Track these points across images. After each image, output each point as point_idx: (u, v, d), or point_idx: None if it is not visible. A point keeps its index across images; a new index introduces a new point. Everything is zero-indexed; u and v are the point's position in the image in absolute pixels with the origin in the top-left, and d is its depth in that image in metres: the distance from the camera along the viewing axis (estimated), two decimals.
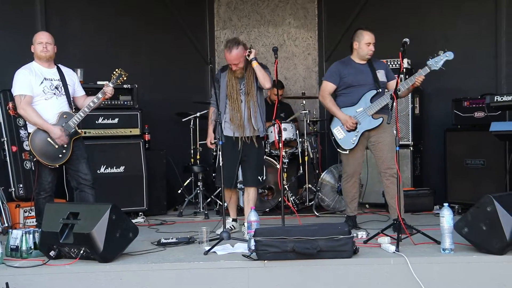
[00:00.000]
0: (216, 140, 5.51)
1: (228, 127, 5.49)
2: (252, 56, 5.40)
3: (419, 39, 6.57)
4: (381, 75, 5.45)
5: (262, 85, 5.44)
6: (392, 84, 5.47)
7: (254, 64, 5.40)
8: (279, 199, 6.56)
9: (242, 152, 5.51)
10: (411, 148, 6.96)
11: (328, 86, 5.51)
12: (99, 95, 5.24)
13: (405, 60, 6.83)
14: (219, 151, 5.28)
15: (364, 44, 5.41)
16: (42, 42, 5.21)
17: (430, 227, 5.01)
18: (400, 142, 5.27)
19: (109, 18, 7.37)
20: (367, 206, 7.00)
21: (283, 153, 6.80)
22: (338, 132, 5.48)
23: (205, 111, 6.90)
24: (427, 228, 4.97)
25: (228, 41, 5.48)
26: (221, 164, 5.19)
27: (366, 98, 5.39)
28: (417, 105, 7.07)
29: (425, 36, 7.12)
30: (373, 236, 4.85)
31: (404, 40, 4.86)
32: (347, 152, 5.45)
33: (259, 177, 5.60)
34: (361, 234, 5.03)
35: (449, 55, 5.13)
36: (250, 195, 5.60)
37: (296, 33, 8.49)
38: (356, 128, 5.40)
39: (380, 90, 5.40)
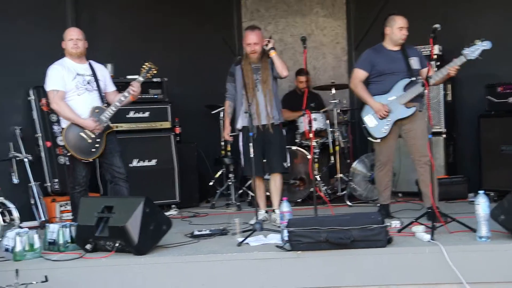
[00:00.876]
0: (236, 133, 5.62)
1: (246, 117, 5.48)
2: (270, 45, 5.41)
3: (451, 24, 6.46)
4: (414, 62, 5.35)
5: (280, 74, 5.46)
6: (425, 71, 5.38)
7: (273, 53, 5.42)
8: (311, 190, 6.55)
9: (264, 141, 5.53)
10: (444, 135, 6.86)
11: (360, 74, 5.44)
12: (126, 93, 5.28)
13: (436, 47, 6.71)
14: (248, 142, 5.26)
15: (396, 28, 5.32)
16: (73, 38, 5.27)
17: (465, 215, 4.94)
18: (433, 130, 5.21)
19: (138, 11, 7.41)
20: (400, 195, 6.93)
21: (314, 143, 6.77)
22: (370, 120, 5.42)
23: None
24: (462, 216, 4.89)
25: (250, 26, 5.72)
26: (251, 155, 5.17)
27: (399, 86, 5.31)
28: (449, 92, 6.96)
29: (456, 21, 6.99)
30: (407, 225, 4.80)
31: (435, 26, 4.79)
32: (378, 140, 5.40)
33: (283, 163, 5.60)
34: (395, 223, 4.98)
35: (487, 45, 4.98)
36: (276, 183, 5.61)
37: (324, 22, 8.43)
38: (388, 116, 5.35)
39: (414, 78, 5.32)
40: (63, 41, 5.30)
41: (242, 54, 7.63)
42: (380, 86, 5.38)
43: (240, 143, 5.62)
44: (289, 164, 5.75)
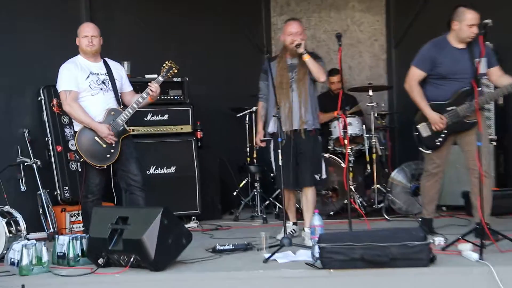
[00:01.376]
0: (268, 138, 5.58)
1: (282, 121, 5.45)
2: (302, 49, 5.38)
3: (507, 20, 6.37)
4: (482, 65, 5.07)
5: (317, 79, 5.45)
6: (493, 71, 5.18)
7: (306, 57, 5.39)
8: (345, 201, 6.54)
9: (294, 149, 5.49)
10: (494, 143, 6.77)
11: (417, 74, 5.26)
12: (144, 94, 5.31)
13: (488, 44, 6.62)
14: (276, 148, 5.26)
15: (465, 25, 5.10)
16: (88, 35, 5.31)
17: None
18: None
19: (157, 6, 7.47)
20: (444, 208, 6.86)
21: (349, 151, 6.74)
22: (424, 129, 5.29)
23: None
24: None
25: (290, 18, 5.73)
26: (280, 163, 5.17)
27: (460, 96, 5.14)
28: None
29: (510, 16, 6.89)
30: (452, 242, 4.74)
31: (485, 21, 4.71)
32: (431, 151, 5.31)
33: (315, 176, 5.57)
34: (439, 240, 4.93)
35: None
36: (308, 197, 5.57)
37: (361, 17, 8.39)
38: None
39: (480, 88, 5.07)
40: (77, 38, 5.35)
41: (270, 52, 7.68)
42: (439, 91, 5.21)
43: (271, 150, 5.60)
44: (324, 176, 5.72)
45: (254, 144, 7.25)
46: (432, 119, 5.20)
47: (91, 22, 5.60)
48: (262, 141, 5.72)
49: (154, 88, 5.31)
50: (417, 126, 5.33)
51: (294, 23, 5.54)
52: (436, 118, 5.18)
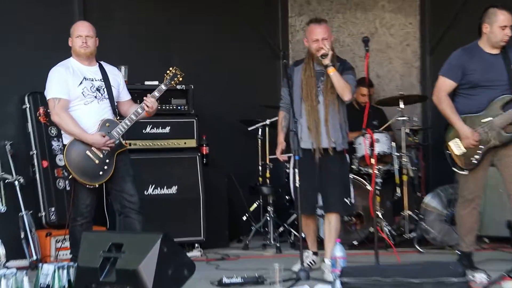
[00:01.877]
0: (290, 154, 5.53)
1: (306, 136, 5.50)
2: (327, 61, 5.38)
3: None
4: None
5: (340, 96, 5.46)
6: None
7: (331, 71, 5.39)
8: (371, 230, 6.52)
9: (320, 169, 5.50)
10: None
11: (446, 84, 5.27)
12: (139, 109, 5.30)
13: None
14: (295, 167, 5.25)
15: (497, 27, 5.14)
16: (81, 35, 5.30)
17: None
18: None
19: (157, 5, 7.48)
20: (486, 240, 6.82)
21: (376, 171, 6.69)
22: (456, 146, 5.27)
23: (276, 117, 6.89)
24: None
25: (315, 18, 5.70)
26: (297, 185, 5.16)
27: (496, 105, 5.14)
28: None
29: None
30: (496, 280, 4.72)
31: None
32: (466, 172, 5.28)
33: (345, 200, 5.57)
34: (480, 277, 4.92)
35: None
36: (332, 224, 5.56)
37: (392, 18, 8.38)
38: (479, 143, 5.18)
39: None
40: (70, 38, 5.35)
41: (287, 56, 7.67)
42: (472, 102, 5.22)
43: (291, 169, 5.59)
44: (352, 201, 5.72)
45: (267, 162, 7.30)
46: (463, 134, 5.19)
47: (86, 21, 5.59)
48: (283, 154, 5.70)
49: (149, 103, 5.30)
50: (448, 143, 5.31)
51: (319, 27, 5.52)
52: (467, 133, 5.17)
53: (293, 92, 5.49)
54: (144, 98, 5.34)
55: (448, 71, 5.28)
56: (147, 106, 5.29)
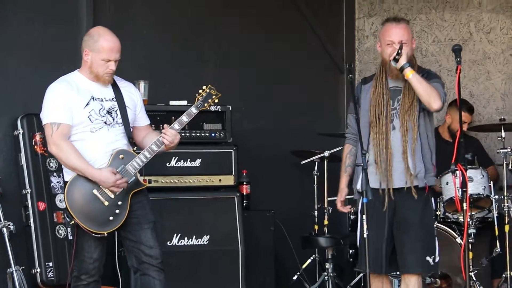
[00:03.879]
0: (356, 197, 5.54)
1: (372, 173, 5.44)
2: (403, 61, 5.33)
3: None
4: None
5: (427, 105, 5.38)
6: None
7: (409, 73, 5.33)
8: None
9: (394, 215, 5.47)
10: None
11: None
12: (154, 146, 5.25)
13: None
14: (362, 213, 5.21)
15: None
16: (111, 59, 5.22)
17: None
18: None
19: (183, 2, 7.52)
20: None
21: (469, 219, 6.60)
22: None
23: (338, 148, 6.85)
24: None
25: (392, 16, 5.77)
26: (365, 235, 5.13)
27: None
28: None
29: None
30: None
31: None
32: None
33: (427, 258, 5.50)
34: None
35: None
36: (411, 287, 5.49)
37: (492, 20, 8.30)
38: None
39: None
40: (86, 51, 5.22)
41: (353, 69, 7.61)
42: None
43: (359, 215, 5.51)
44: (437, 259, 5.62)
45: (326, 205, 7.24)
46: None
47: (115, 36, 5.37)
48: (344, 204, 5.65)
49: (169, 136, 5.24)
50: None
51: (396, 26, 5.46)
52: None
53: (362, 117, 5.44)
54: (163, 130, 5.29)
55: None
56: (167, 140, 5.25)
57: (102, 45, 5.22)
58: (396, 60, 5.33)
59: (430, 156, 5.53)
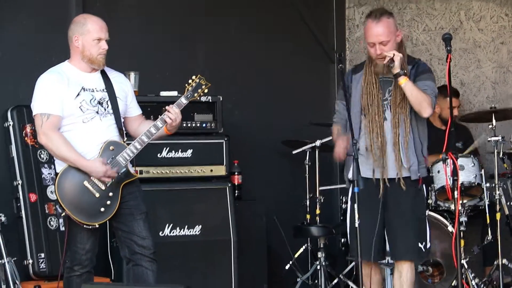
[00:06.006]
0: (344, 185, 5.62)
1: (364, 162, 5.47)
2: (397, 69, 5.34)
3: None
4: None
5: (417, 112, 5.43)
6: None
7: (403, 80, 5.34)
8: (453, 283, 6.46)
9: (387, 204, 5.50)
10: None
11: None
12: (159, 123, 5.29)
13: None
14: (353, 202, 5.25)
15: None
16: (102, 38, 5.25)
17: None
18: None
19: None
20: None
21: (460, 207, 6.63)
22: None
23: (329, 137, 6.85)
24: None
25: (373, 10, 5.60)
26: (356, 224, 5.15)
27: None
28: None
29: None
30: None
31: None
32: None
33: (419, 245, 5.54)
34: None
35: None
36: (403, 275, 5.56)
37: (482, 8, 8.32)
38: None
39: None
40: (75, 37, 5.26)
41: (343, 58, 7.63)
42: None
43: (349, 203, 5.60)
44: (429, 245, 5.67)
45: (317, 195, 7.25)
46: None
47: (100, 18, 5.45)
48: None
49: (173, 114, 5.27)
50: None
51: (376, 26, 5.42)
52: None
53: (353, 106, 5.48)
54: (167, 107, 5.30)
55: None
56: (170, 118, 5.26)
57: (91, 25, 5.26)
58: (391, 66, 5.35)
59: (421, 148, 5.56)
